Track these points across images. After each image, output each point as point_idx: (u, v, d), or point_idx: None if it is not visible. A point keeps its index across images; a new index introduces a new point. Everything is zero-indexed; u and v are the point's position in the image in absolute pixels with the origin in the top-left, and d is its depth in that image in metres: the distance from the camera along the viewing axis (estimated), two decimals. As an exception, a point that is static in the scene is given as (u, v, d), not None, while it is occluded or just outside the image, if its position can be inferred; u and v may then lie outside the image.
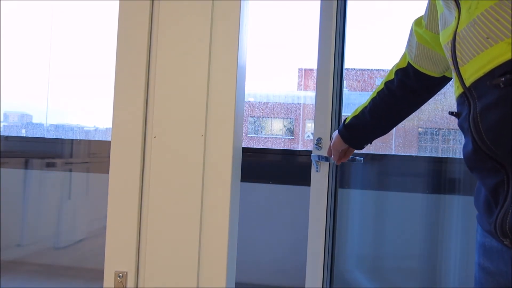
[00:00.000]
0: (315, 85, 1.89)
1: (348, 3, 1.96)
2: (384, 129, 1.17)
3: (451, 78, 1.01)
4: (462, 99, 0.70)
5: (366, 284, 2.35)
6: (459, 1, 0.69)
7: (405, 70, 1.05)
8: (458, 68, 0.70)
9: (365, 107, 1.14)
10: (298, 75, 3.75)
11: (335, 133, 1.26)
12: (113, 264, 0.77)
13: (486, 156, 0.65)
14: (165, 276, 0.76)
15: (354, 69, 2.96)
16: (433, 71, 1.01)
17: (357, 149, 1.27)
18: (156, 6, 0.78)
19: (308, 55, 3.59)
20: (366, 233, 2.40)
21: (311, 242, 1.86)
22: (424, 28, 0.97)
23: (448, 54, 0.73)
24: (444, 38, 0.75)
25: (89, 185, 3.00)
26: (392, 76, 1.08)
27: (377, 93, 1.12)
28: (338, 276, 2.24)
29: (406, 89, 1.06)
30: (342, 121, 1.23)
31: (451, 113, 0.77)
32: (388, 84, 1.09)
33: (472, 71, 0.66)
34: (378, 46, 2.93)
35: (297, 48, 3.70)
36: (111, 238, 0.77)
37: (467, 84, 0.68)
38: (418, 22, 1.01)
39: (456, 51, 0.70)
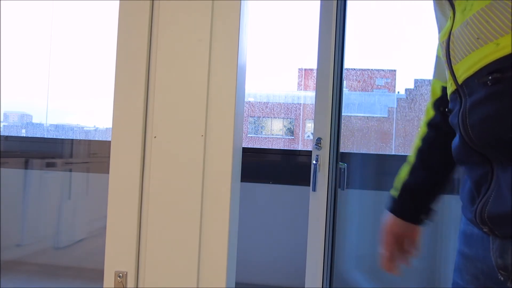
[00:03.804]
0: (315, 85, 1.89)
1: (348, 3, 1.96)
2: (443, 180, 0.95)
3: None
4: (455, 96, 0.73)
5: (365, 284, 2.35)
6: (453, 2, 0.73)
7: (442, 99, 0.90)
8: (452, 67, 0.73)
9: (413, 165, 0.96)
10: (298, 75, 3.75)
11: (385, 218, 0.98)
12: (113, 264, 0.77)
13: (472, 150, 0.69)
14: (165, 276, 0.76)
15: (354, 69, 2.96)
16: None
17: (418, 223, 0.96)
18: (156, 6, 0.78)
19: (308, 55, 3.59)
20: (366, 233, 2.40)
21: (311, 242, 1.86)
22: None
23: (443, 53, 0.76)
24: (441, 36, 0.79)
25: (89, 185, 3.00)
26: (432, 112, 0.95)
27: (421, 139, 0.96)
28: (337, 276, 2.24)
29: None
30: (389, 199, 0.99)
31: (443, 110, 0.80)
32: (431, 123, 0.95)
33: (464, 69, 0.69)
34: (378, 46, 2.93)
35: (297, 48, 3.70)
36: (111, 238, 0.77)
37: (460, 81, 0.71)
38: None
39: (450, 50, 0.73)
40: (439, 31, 0.81)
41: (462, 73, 0.70)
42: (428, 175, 0.93)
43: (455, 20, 0.72)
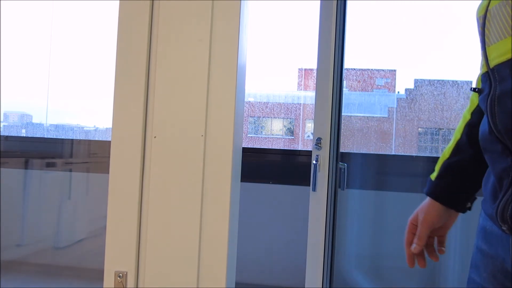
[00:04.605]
0: (315, 85, 1.89)
1: (348, 3, 1.96)
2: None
3: None
4: (485, 78, 0.70)
5: (365, 284, 2.35)
6: None
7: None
8: (485, 47, 0.70)
9: (459, 140, 0.86)
10: (298, 75, 3.75)
11: (421, 205, 0.89)
12: (113, 264, 0.77)
13: (496, 138, 0.67)
14: (165, 276, 0.76)
15: (354, 69, 2.96)
16: None
17: (460, 211, 0.86)
18: (156, 6, 0.78)
19: (308, 55, 3.59)
20: (366, 233, 2.40)
21: (311, 242, 1.86)
22: None
23: (478, 30, 0.72)
24: (479, 10, 0.74)
25: (89, 185, 3.00)
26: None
27: (472, 113, 0.86)
28: (337, 276, 2.24)
29: None
30: (427, 183, 0.88)
31: (473, 89, 0.76)
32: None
33: (496, 54, 0.67)
34: (378, 46, 2.93)
35: (297, 48, 3.70)
36: (111, 238, 0.77)
37: (491, 65, 0.68)
38: None
39: (485, 29, 0.69)
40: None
41: (495, 58, 0.67)
42: (477, 152, 0.78)
43: None
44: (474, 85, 0.83)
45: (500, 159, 0.67)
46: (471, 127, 0.84)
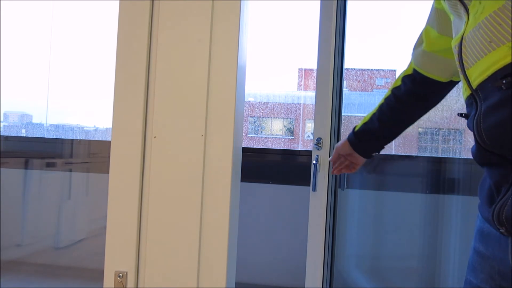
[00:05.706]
0: (315, 85, 1.89)
1: (348, 3, 1.96)
2: (391, 135, 1.18)
3: (458, 82, 1.03)
4: (470, 101, 0.72)
5: (365, 284, 2.35)
6: (468, 8, 0.71)
7: (411, 77, 1.07)
8: (465, 71, 0.72)
9: (374, 114, 1.15)
10: (298, 75, 3.75)
11: (343, 138, 1.24)
12: (113, 264, 0.77)
13: (489, 152, 0.68)
14: (165, 276, 0.76)
15: (354, 69, 2.96)
16: (440, 76, 1.03)
17: (364, 157, 1.22)
18: (156, 6, 0.78)
19: (308, 55, 3.59)
20: (366, 233, 2.40)
21: (311, 242, 1.86)
22: (437, 34, 0.98)
23: (456, 57, 0.76)
24: (454, 41, 0.78)
25: (89, 185, 3.00)
26: (399, 83, 1.10)
27: (385, 99, 1.13)
28: (337, 276, 2.24)
29: (413, 95, 1.09)
30: (351, 131, 1.22)
31: (460, 115, 0.80)
32: (394, 91, 1.11)
33: (477, 73, 0.69)
34: (378, 46, 2.93)
35: (297, 48, 3.70)
36: (111, 238, 0.77)
37: (474, 86, 0.70)
38: (427, 30, 1.02)
39: (462, 54, 0.72)
40: (454, 36, 0.80)
41: (476, 78, 0.69)
42: (380, 127, 1.14)
43: (467, 24, 0.71)
44: (392, 85, 1.13)
45: (498, 168, 0.69)
46: (386, 101, 1.12)
